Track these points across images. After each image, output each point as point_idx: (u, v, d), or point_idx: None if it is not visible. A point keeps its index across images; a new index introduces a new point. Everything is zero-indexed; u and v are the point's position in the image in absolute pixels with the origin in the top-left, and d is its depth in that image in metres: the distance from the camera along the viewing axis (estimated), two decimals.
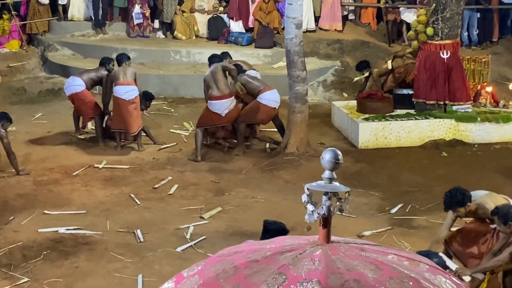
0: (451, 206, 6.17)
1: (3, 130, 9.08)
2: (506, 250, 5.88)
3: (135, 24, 15.55)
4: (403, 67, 12.04)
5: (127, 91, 10.37)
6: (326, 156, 2.20)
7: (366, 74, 12.26)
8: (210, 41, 15.59)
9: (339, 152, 2.22)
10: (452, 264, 5.94)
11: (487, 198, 6.24)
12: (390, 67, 12.01)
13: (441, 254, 5.71)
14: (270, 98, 10.25)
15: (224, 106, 10.10)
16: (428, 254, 5.87)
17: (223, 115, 10.16)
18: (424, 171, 9.79)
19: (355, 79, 12.75)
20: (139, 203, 8.57)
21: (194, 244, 7.49)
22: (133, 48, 14.78)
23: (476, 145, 10.82)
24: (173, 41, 15.59)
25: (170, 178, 9.35)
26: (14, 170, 9.28)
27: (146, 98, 10.88)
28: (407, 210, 8.41)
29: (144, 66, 14.31)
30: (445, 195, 6.16)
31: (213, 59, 10.65)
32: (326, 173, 2.19)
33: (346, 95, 13.61)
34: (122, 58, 10.84)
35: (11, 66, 14.29)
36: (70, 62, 14.19)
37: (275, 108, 10.32)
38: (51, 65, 14.53)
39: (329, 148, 2.28)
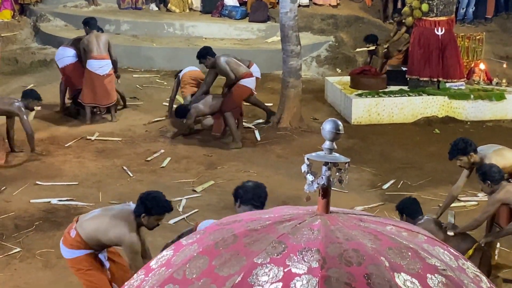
0: (453, 153, 6.29)
1: (20, 107, 8.68)
2: (481, 214, 6.02)
3: None
4: (401, 54, 12.06)
5: (101, 66, 10.23)
6: (327, 127, 2.19)
7: (371, 47, 12.18)
8: (204, 14, 15.53)
9: (339, 123, 2.22)
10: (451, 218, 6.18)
11: (494, 154, 6.29)
12: (381, 50, 12.10)
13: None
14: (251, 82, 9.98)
15: (254, 82, 9.94)
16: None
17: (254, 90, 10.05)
18: (416, 147, 9.82)
19: (357, 49, 12.78)
20: (131, 175, 8.56)
21: (186, 217, 7.50)
22: (126, 20, 14.70)
23: (468, 123, 10.86)
24: (167, 14, 15.50)
25: (162, 151, 9.33)
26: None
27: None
28: (398, 186, 8.44)
29: (137, 39, 14.24)
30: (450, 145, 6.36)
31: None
32: (326, 144, 2.19)
33: (340, 70, 13.59)
34: (94, 24, 10.44)
35: (2, 36, 14.16)
36: (62, 33, 14.08)
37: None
38: (43, 36, 14.42)
39: (330, 119, 2.27)
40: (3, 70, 12.77)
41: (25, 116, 8.69)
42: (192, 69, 10.74)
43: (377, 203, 7.91)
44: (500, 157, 6.30)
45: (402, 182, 8.53)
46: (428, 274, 2.00)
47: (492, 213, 6.11)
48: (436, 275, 2.00)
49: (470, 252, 5.89)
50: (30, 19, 15.11)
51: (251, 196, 4.82)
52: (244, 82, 9.76)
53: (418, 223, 5.95)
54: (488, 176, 5.83)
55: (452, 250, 2.21)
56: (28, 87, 11.82)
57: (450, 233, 5.94)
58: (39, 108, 9.40)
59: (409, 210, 6.04)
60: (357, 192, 8.16)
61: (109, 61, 10.31)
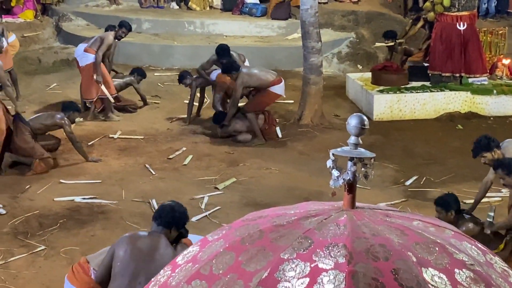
0: (477, 151, 6.32)
1: (66, 120, 8.66)
2: None
3: None
4: (421, 53, 12.04)
5: (84, 56, 10.41)
6: (352, 122, 2.18)
7: (390, 43, 12.17)
8: (224, 12, 15.53)
9: (365, 118, 2.21)
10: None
11: None
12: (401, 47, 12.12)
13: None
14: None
15: (283, 88, 9.86)
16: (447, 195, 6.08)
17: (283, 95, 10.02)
18: (439, 143, 9.76)
19: (376, 44, 12.77)
20: (153, 173, 8.59)
21: (208, 214, 7.51)
22: (147, 19, 14.77)
23: (491, 118, 10.76)
24: (187, 12, 15.54)
25: (184, 148, 9.36)
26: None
27: (138, 73, 10.89)
28: (421, 182, 8.39)
29: (158, 37, 14.29)
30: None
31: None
32: (352, 139, 2.18)
33: (361, 67, 13.54)
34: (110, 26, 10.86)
35: (25, 36, 14.27)
36: (84, 32, 14.16)
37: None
38: (65, 35, 14.52)
39: (355, 114, 2.26)
40: (26, 70, 12.87)
41: (68, 128, 8.66)
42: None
43: (400, 200, 7.88)
44: None
45: (425, 178, 8.48)
46: (456, 269, 1.99)
47: None
48: (464, 270, 1.99)
49: (501, 246, 5.88)
50: (52, 19, 15.23)
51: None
52: (274, 89, 9.67)
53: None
54: None
55: (479, 245, 2.20)
56: (51, 86, 11.94)
57: (487, 231, 5.89)
58: (81, 119, 9.59)
59: (451, 206, 5.96)
60: (379, 188, 8.12)
61: (91, 55, 10.26)
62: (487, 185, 6.59)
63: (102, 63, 10.40)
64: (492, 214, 6.11)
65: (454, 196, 6.15)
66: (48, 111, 9.58)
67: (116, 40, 10.73)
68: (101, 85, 10.17)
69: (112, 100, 10.38)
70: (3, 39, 11.11)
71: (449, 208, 5.98)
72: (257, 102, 9.76)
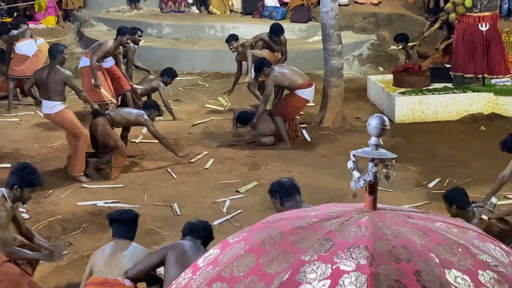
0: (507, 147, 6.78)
1: (147, 118, 8.73)
2: None
3: None
4: (437, 54, 12.05)
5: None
6: (373, 122, 2.17)
7: (400, 47, 12.25)
8: (245, 16, 15.56)
9: (385, 118, 2.19)
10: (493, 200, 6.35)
11: None
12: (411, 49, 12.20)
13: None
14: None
15: (313, 92, 9.85)
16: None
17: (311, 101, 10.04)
18: (462, 145, 9.68)
19: (392, 47, 12.81)
20: (175, 177, 8.61)
21: (230, 217, 7.52)
22: (167, 24, 14.83)
23: None
24: (208, 16, 15.58)
25: (205, 152, 9.37)
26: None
27: (169, 74, 10.81)
28: (444, 185, 8.31)
29: (178, 41, 14.34)
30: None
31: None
32: (373, 140, 2.16)
33: (382, 69, 13.49)
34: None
35: (47, 42, 14.38)
36: (105, 38, 14.16)
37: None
38: (87, 41, 14.61)
39: (376, 114, 2.24)
40: None
41: (152, 127, 8.75)
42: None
43: (423, 202, 7.82)
44: None
45: (448, 180, 8.41)
46: (479, 270, 1.96)
47: None
48: (487, 271, 1.97)
49: None
50: (74, 25, 15.34)
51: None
52: (301, 92, 9.62)
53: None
54: None
55: (503, 246, 2.17)
56: (73, 92, 12.00)
57: (485, 217, 5.99)
58: (161, 118, 9.66)
59: (459, 201, 6.07)
60: (402, 191, 8.08)
61: (86, 58, 10.29)
62: (503, 180, 6.75)
63: (118, 69, 10.46)
64: (494, 202, 6.21)
65: (459, 191, 6.23)
66: (126, 108, 9.67)
67: (134, 46, 10.77)
68: (101, 88, 10.11)
69: (112, 105, 10.25)
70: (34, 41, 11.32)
71: (451, 202, 6.12)
72: (286, 107, 9.67)
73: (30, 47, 11.42)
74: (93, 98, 10.15)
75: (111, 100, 10.05)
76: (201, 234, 5.42)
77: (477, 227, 5.74)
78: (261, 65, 9.59)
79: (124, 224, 5.58)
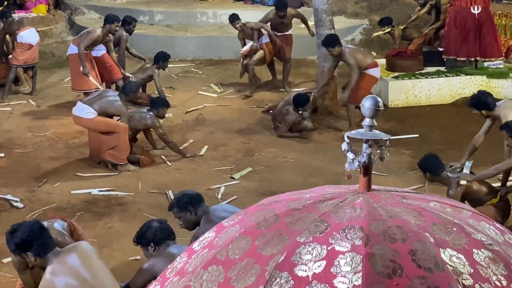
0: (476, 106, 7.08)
1: (156, 119, 8.50)
2: (503, 163, 6.47)
3: None
4: (421, 38, 12.08)
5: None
6: (366, 103, 2.16)
7: (387, 30, 12.26)
8: (236, 2, 15.53)
9: (379, 99, 2.19)
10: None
11: (510, 111, 6.59)
12: (397, 32, 12.35)
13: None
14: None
15: (380, 71, 9.91)
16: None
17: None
18: (455, 128, 9.70)
19: (374, 34, 12.79)
20: (169, 164, 8.60)
21: (225, 203, 7.52)
22: (159, 10, 14.77)
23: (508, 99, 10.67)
24: (200, 3, 15.53)
25: (191, 140, 9.31)
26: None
27: (162, 59, 10.76)
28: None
29: (170, 28, 14.30)
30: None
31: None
32: (367, 121, 2.16)
33: (375, 53, 13.46)
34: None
35: (39, 30, 14.27)
36: (97, 26, 14.13)
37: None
38: (78, 29, 14.50)
39: (369, 96, 2.24)
40: (40, 65, 12.89)
41: (160, 130, 8.55)
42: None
43: (417, 186, 7.83)
44: None
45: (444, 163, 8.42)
46: (474, 249, 1.97)
47: None
48: (482, 250, 1.98)
49: (495, 200, 6.34)
50: (65, 13, 15.26)
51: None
52: (370, 71, 9.66)
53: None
54: None
55: (498, 225, 2.17)
56: (65, 80, 11.98)
57: (463, 182, 6.19)
58: (170, 115, 9.57)
59: (432, 167, 6.29)
60: (396, 174, 8.10)
61: (73, 46, 10.31)
62: (476, 142, 7.17)
63: (109, 56, 10.42)
64: (469, 164, 6.61)
65: (431, 158, 6.53)
66: (135, 108, 9.22)
67: (126, 34, 10.76)
68: (89, 76, 10.08)
69: (101, 89, 10.21)
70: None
71: (425, 169, 6.46)
72: (358, 91, 9.38)
73: (33, 36, 11.39)
74: (81, 86, 10.14)
75: (98, 88, 9.99)
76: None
77: (456, 192, 5.95)
78: (334, 42, 9.51)
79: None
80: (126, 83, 8.78)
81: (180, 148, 8.93)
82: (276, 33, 11.40)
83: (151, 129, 8.72)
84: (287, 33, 11.60)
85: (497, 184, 6.86)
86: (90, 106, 8.35)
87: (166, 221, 5.11)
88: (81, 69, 10.01)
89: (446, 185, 6.58)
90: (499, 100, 7.59)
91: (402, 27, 12.39)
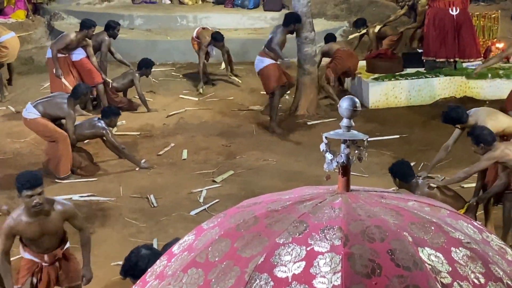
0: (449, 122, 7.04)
1: (108, 130, 8.39)
2: (472, 166, 6.48)
3: None
4: (395, 36, 12.22)
5: None
6: (344, 104, 2.17)
7: (363, 31, 12.36)
8: (217, 5, 15.50)
9: (356, 100, 2.20)
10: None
11: (488, 118, 6.67)
12: (376, 30, 12.40)
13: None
14: None
15: None
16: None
17: None
18: (436, 129, 9.73)
19: (350, 36, 12.87)
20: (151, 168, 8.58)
21: (207, 207, 7.52)
22: (139, 15, 14.72)
23: (487, 102, 10.72)
24: (179, 6, 15.50)
25: (172, 144, 9.30)
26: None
27: (146, 66, 10.76)
28: (419, 168, 8.37)
29: (151, 33, 14.25)
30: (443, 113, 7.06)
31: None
32: (344, 121, 2.17)
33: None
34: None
35: (18, 36, 14.21)
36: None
37: None
38: (57, 34, 14.33)
39: (347, 96, 2.25)
40: (20, 70, 12.83)
41: (110, 138, 8.41)
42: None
43: (397, 187, 7.86)
44: (494, 120, 6.72)
45: (422, 164, 8.47)
46: (452, 247, 1.98)
47: (483, 168, 6.46)
48: (460, 248, 1.99)
49: (462, 211, 6.28)
50: (44, 18, 15.16)
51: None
52: None
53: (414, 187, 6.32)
54: (481, 139, 6.19)
55: (475, 223, 2.19)
56: (45, 86, 11.90)
57: (433, 186, 6.21)
58: (123, 122, 9.53)
59: (402, 174, 6.33)
60: (377, 175, 8.13)
61: (49, 50, 10.39)
62: (447, 149, 7.12)
63: (89, 61, 10.41)
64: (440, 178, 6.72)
65: (402, 164, 6.50)
66: (89, 117, 9.11)
67: (108, 39, 10.74)
68: (61, 78, 10.07)
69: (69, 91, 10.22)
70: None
71: (395, 175, 6.42)
72: None
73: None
74: (55, 89, 10.10)
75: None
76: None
77: (423, 195, 6.00)
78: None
79: None
80: (76, 86, 8.66)
81: (160, 153, 8.92)
82: None
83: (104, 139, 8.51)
84: None
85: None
86: (34, 107, 8.27)
87: (153, 245, 4.59)
88: (54, 71, 10.04)
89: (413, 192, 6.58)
90: (480, 101, 7.68)
91: (379, 26, 12.45)
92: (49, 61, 10.45)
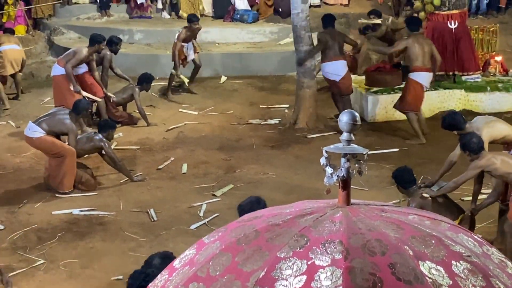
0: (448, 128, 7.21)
1: (104, 140, 8.41)
2: (460, 176, 6.48)
3: (138, 3, 15.57)
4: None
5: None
6: (344, 118, 2.18)
7: (375, 20, 12.05)
8: (216, 20, 15.56)
9: (356, 114, 2.21)
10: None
11: (486, 126, 6.65)
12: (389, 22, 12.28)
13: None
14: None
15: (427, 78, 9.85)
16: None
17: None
18: (435, 142, 9.76)
19: (360, 21, 12.75)
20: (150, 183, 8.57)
21: (207, 221, 7.51)
22: (139, 29, 14.79)
23: (486, 115, 10.76)
24: (179, 21, 15.54)
25: (172, 158, 9.30)
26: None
27: (146, 81, 10.78)
28: (418, 182, 8.35)
29: (150, 47, 14.31)
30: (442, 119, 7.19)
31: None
32: (344, 135, 2.17)
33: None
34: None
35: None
36: (76, 45, 14.11)
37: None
38: (57, 49, 14.52)
39: (347, 110, 2.26)
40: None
41: (109, 149, 8.43)
42: None
43: (398, 200, 7.87)
44: (491, 128, 6.83)
45: (422, 177, 8.46)
46: (453, 261, 1.98)
47: (471, 177, 6.48)
48: (461, 261, 1.99)
49: (457, 221, 6.19)
50: (44, 33, 15.23)
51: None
52: (414, 76, 9.80)
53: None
54: (468, 146, 6.24)
55: (476, 237, 2.19)
56: (45, 100, 11.93)
57: (426, 195, 6.21)
58: (120, 134, 9.56)
59: (401, 180, 6.36)
60: (377, 189, 8.13)
61: (59, 67, 10.19)
62: (451, 162, 7.04)
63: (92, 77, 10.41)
64: (442, 185, 6.66)
65: (403, 171, 6.57)
66: (86, 133, 9.00)
67: (110, 54, 10.75)
68: (81, 93, 9.97)
69: (99, 100, 10.37)
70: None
71: (395, 180, 6.53)
72: (410, 99, 9.80)
73: None
74: (69, 105, 10.10)
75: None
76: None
77: (418, 204, 6.01)
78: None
79: None
80: (77, 101, 8.68)
81: (160, 167, 8.94)
82: None
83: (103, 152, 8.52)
84: None
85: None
86: (38, 125, 8.27)
87: (171, 253, 4.24)
88: (71, 88, 9.96)
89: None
90: (480, 114, 7.72)
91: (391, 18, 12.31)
92: (57, 79, 10.23)
